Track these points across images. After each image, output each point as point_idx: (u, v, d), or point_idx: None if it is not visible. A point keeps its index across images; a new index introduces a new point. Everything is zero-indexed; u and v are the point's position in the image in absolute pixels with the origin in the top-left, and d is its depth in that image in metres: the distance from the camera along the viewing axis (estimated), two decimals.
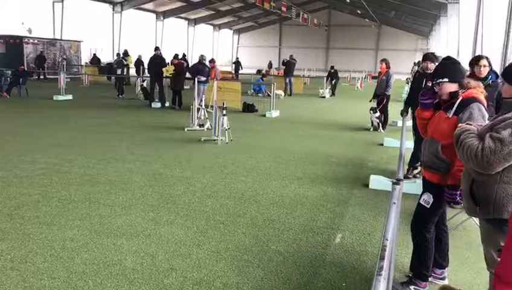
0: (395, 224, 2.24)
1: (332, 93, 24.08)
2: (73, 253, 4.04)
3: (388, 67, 11.44)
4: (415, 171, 7.23)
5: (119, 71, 20.28)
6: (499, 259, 2.68)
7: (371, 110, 11.80)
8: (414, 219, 3.59)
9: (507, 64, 2.71)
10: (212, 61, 17.85)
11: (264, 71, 30.17)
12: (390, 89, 11.52)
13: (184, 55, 23.04)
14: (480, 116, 3.18)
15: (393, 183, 2.60)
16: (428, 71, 6.69)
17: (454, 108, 3.29)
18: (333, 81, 24.45)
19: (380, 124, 11.77)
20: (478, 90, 3.32)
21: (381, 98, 11.53)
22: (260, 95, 21.50)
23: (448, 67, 3.45)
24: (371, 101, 12.13)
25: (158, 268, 3.82)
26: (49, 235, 4.43)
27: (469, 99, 3.25)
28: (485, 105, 3.29)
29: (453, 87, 3.35)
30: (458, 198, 3.19)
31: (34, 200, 5.44)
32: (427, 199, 3.38)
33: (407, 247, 4.31)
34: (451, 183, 3.22)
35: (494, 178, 2.57)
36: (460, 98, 3.29)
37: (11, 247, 4.13)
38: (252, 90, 22.16)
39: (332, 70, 24.79)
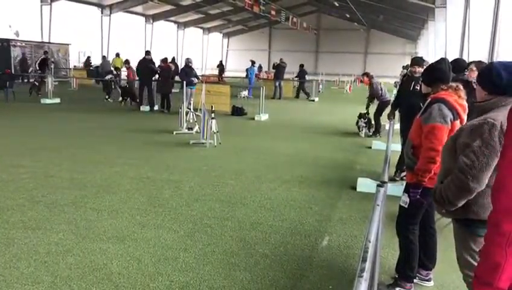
0: (378, 226, 2.25)
1: (297, 95, 24.05)
2: (58, 257, 4.00)
3: (371, 77, 11.78)
4: (403, 174, 7.27)
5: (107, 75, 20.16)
6: (471, 260, 2.71)
7: (360, 117, 11.78)
8: (397, 220, 3.63)
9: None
10: (127, 62, 18.96)
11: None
12: (385, 94, 11.60)
13: (173, 58, 23.06)
14: (438, 115, 3.24)
15: (378, 186, 2.62)
16: (416, 75, 6.74)
17: (422, 109, 3.41)
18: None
19: (365, 128, 11.77)
20: (452, 93, 3.36)
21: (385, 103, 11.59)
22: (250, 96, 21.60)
23: (427, 70, 3.69)
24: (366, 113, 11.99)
25: (144, 272, 3.80)
26: (34, 239, 4.38)
27: (435, 100, 3.33)
28: (454, 106, 3.31)
29: (428, 88, 3.51)
30: (418, 196, 3.26)
31: (19, 204, 5.38)
32: (405, 199, 3.43)
33: (393, 249, 4.33)
34: (414, 181, 3.30)
35: None
36: (429, 100, 3.38)
37: None
38: (245, 92, 22.18)
39: (301, 69, 24.69)
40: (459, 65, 6.20)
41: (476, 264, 2.63)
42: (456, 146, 2.68)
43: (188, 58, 15.22)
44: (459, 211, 2.66)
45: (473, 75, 5.76)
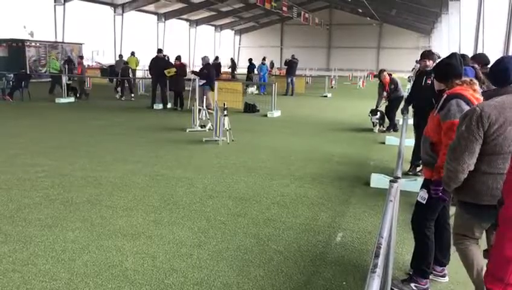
0: (391, 222, 2.25)
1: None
2: (74, 255, 4.06)
3: (389, 74, 11.65)
4: (417, 169, 7.22)
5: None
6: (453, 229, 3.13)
7: (370, 112, 11.67)
8: (413, 215, 3.60)
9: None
10: (80, 57, 19.79)
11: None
12: (400, 90, 11.54)
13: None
14: (457, 111, 3.19)
15: (391, 181, 2.61)
16: (428, 68, 6.67)
17: (439, 105, 3.34)
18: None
19: (378, 124, 11.68)
20: (467, 87, 3.32)
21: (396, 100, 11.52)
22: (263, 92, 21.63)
23: (438, 65, 3.64)
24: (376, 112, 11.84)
25: (159, 269, 3.84)
26: (51, 237, 4.45)
27: (451, 96, 3.28)
28: (471, 101, 3.27)
29: (440, 85, 3.46)
30: (441, 193, 3.23)
31: (35, 203, 5.46)
32: (423, 195, 3.40)
33: (408, 245, 4.31)
34: (435, 178, 3.25)
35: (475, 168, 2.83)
36: (444, 96, 3.33)
37: (13, 249, 4.15)
38: (253, 89, 22.19)
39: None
40: (483, 59, 6.11)
41: (456, 231, 3.10)
42: None
43: (205, 56, 15.34)
44: (459, 193, 2.94)
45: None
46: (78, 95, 18.36)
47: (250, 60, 26.94)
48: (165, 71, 15.57)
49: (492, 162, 2.73)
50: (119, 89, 19.31)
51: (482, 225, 2.94)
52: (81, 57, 20.16)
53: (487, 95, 2.93)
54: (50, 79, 20.73)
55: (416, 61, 24.52)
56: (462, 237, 3.11)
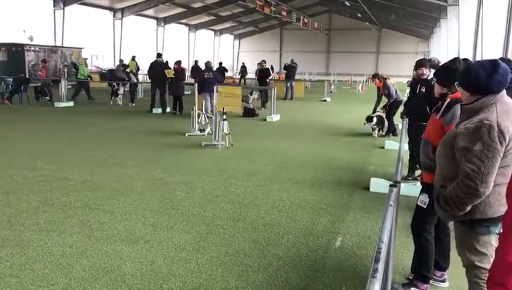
0: (391, 226, 2.23)
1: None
2: (72, 259, 4.04)
3: (383, 79, 11.62)
4: (417, 173, 7.21)
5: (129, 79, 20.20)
6: (475, 262, 2.73)
7: (366, 120, 11.63)
8: (413, 220, 3.59)
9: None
10: (43, 61, 20.74)
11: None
12: (398, 94, 11.49)
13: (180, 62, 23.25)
14: None
15: (390, 186, 2.60)
16: (424, 77, 6.64)
17: (442, 110, 3.35)
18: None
19: (377, 129, 11.66)
20: None
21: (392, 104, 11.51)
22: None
23: (441, 69, 3.63)
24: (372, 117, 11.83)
25: (157, 274, 3.82)
26: (49, 241, 4.42)
27: (456, 100, 3.28)
28: None
29: (443, 89, 3.45)
30: None
31: (34, 207, 5.44)
32: (424, 199, 3.38)
33: (407, 249, 4.30)
34: None
35: None
36: (447, 100, 3.33)
37: (10, 254, 4.13)
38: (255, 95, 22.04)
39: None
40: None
41: (480, 265, 2.71)
42: (453, 151, 2.68)
43: (208, 61, 15.36)
44: (465, 213, 2.65)
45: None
46: (47, 97, 18.15)
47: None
48: (165, 71, 15.63)
49: (507, 173, 2.55)
50: (121, 95, 19.11)
51: (496, 235, 2.77)
52: (44, 61, 20.91)
53: (470, 109, 2.65)
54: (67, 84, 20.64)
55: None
56: (484, 269, 2.73)
